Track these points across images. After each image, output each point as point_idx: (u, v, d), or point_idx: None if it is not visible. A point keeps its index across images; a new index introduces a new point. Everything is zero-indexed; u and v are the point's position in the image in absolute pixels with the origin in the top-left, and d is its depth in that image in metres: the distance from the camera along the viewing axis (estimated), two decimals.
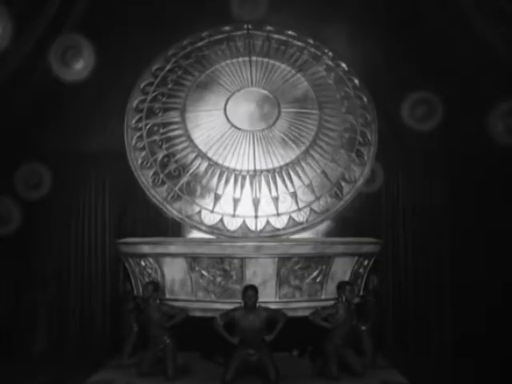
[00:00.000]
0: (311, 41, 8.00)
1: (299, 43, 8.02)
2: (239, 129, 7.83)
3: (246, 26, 7.99)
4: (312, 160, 7.80)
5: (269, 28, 8.00)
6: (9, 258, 7.51)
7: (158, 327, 6.26)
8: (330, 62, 7.98)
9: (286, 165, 7.79)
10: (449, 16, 6.64)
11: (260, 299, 6.06)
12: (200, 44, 7.98)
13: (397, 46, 7.44)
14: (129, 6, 7.35)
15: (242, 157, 7.79)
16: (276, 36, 8.01)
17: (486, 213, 7.31)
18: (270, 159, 7.81)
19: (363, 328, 6.68)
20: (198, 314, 6.39)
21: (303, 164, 7.79)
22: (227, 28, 8.00)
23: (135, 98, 7.81)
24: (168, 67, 7.91)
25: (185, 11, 7.57)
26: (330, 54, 7.99)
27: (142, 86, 7.84)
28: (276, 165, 7.79)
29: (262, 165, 7.78)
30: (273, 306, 6.19)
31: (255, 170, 7.77)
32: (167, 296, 6.56)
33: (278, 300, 6.38)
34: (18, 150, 7.37)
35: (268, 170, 7.77)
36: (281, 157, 7.81)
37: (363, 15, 7.42)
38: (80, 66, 6.96)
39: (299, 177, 7.75)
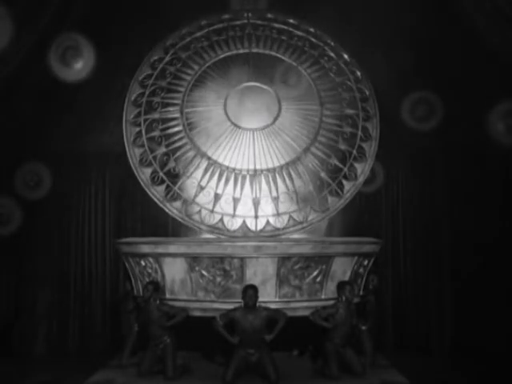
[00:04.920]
0: (312, 29, 7.84)
1: (300, 33, 7.85)
2: (239, 127, 7.79)
3: (246, 15, 7.85)
4: (313, 158, 7.74)
5: (269, 16, 7.85)
6: (9, 258, 7.51)
7: (158, 327, 6.26)
8: (331, 53, 7.84)
9: (287, 164, 7.73)
10: (449, 16, 6.65)
11: (260, 299, 6.05)
12: (199, 34, 7.82)
13: (397, 45, 7.43)
14: (129, 5, 7.34)
15: (242, 156, 7.76)
16: (277, 25, 7.86)
17: (486, 212, 7.32)
18: (270, 158, 7.75)
19: (363, 328, 6.67)
20: (197, 313, 6.38)
21: (304, 162, 7.73)
22: (227, 16, 7.86)
23: (134, 92, 7.68)
24: (167, 59, 7.77)
25: (186, 10, 7.57)
26: (332, 43, 7.85)
27: (140, 78, 7.70)
28: (276, 164, 7.72)
29: (262, 164, 7.73)
30: (273, 306, 6.18)
31: (255, 170, 7.74)
32: (167, 296, 6.54)
33: (278, 300, 6.36)
34: (18, 149, 7.37)
35: (268, 170, 7.72)
36: (281, 155, 7.76)
37: (364, 14, 7.43)
38: (80, 66, 6.96)
39: (299, 176, 7.72)
